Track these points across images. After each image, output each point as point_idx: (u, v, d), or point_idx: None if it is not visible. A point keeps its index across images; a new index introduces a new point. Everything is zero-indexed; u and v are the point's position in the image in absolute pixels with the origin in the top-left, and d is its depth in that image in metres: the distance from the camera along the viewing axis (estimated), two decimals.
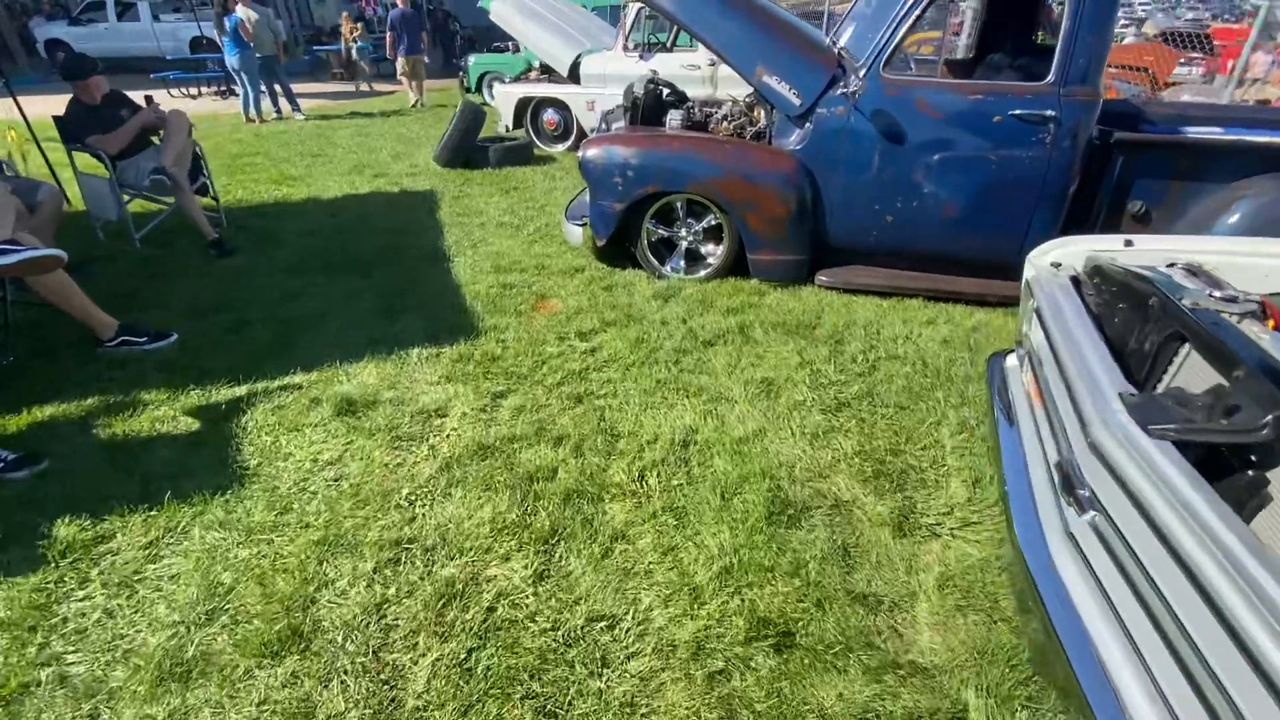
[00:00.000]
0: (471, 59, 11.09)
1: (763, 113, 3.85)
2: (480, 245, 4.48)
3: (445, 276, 3.93)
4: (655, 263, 3.88)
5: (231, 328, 3.33)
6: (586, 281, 3.85)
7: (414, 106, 11.00)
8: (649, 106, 4.08)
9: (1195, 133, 3.10)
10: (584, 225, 3.99)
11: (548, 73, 7.56)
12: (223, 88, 12.87)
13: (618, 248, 3.90)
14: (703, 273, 3.85)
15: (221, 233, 4.56)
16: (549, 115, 7.45)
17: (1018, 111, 3.07)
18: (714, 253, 3.86)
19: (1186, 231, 3.23)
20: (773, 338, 3.23)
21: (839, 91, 3.30)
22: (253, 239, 4.59)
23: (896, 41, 3.17)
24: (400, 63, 10.84)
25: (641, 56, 6.75)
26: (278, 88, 9.87)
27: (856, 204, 3.48)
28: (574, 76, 7.03)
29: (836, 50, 3.46)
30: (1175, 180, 3.25)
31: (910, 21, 3.11)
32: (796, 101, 3.38)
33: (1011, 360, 2.27)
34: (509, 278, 3.90)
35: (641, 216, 3.75)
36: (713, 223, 3.73)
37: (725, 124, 3.90)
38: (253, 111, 9.50)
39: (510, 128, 7.56)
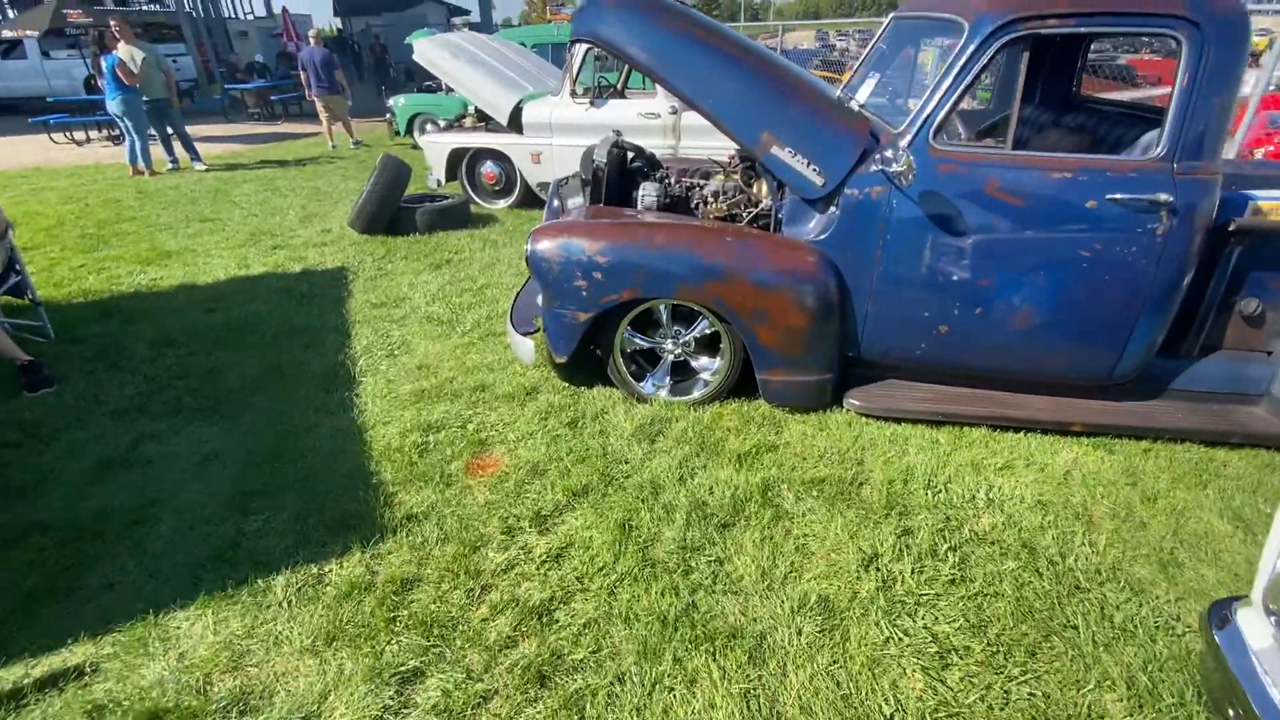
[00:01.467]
0: (401, 99, 10.08)
1: (764, 187, 2.99)
2: (399, 354, 3.43)
3: (344, 417, 2.87)
4: (633, 382, 2.93)
5: None
6: (542, 413, 2.86)
7: (333, 149, 9.97)
8: (613, 178, 3.17)
9: None
10: (536, 334, 3.02)
11: (485, 120, 6.62)
12: (116, 132, 11.38)
13: (584, 355, 2.94)
14: (697, 393, 2.92)
15: (44, 349, 3.38)
16: (487, 168, 6.48)
17: (1118, 195, 2.29)
18: (709, 367, 2.95)
19: None
20: (811, 507, 2.31)
21: (875, 168, 2.47)
22: (87, 358, 3.40)
23: (952, 104, 2.36)
24: (319, 105, 9.79)
25: (592, 102, 5.89)
26: (172, 134, 8.57)
27: (900, 310, 2.63)
28: (515, 125, 6.11)
29: (860, 112, 2.64)
30: None
31: (973, 78, 2.32)
32: (818, 181, 2.53)
33: (1255, 623, 1.40)
34: (435, 411, 2.87)
35: (614, 324, 2.81)
36: (707, 330, 2.82)
37: (715, 203, 3.03)
38: (140, 163, 8.18)
39: (442, 182, 6.55)
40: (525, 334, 3.00)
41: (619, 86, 6.27)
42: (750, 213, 2.97)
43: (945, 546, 2.14)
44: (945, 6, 2.53)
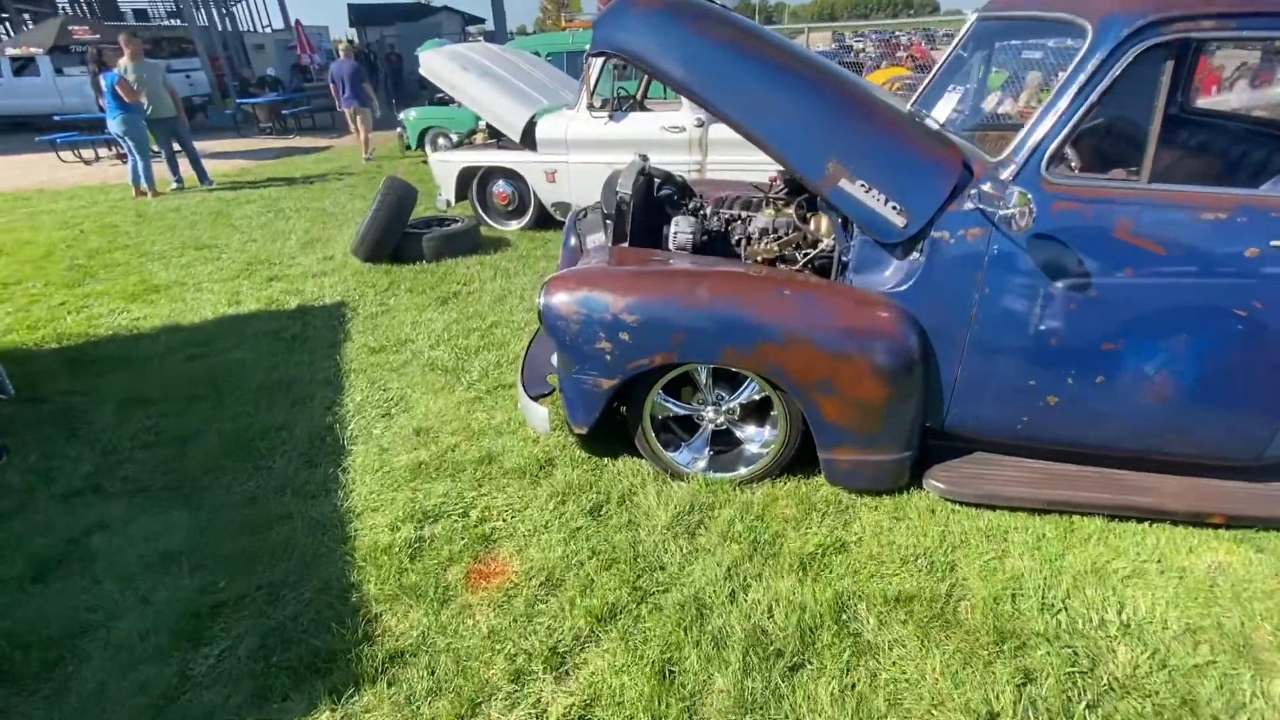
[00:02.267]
0: (412, 113, 9.74)
1: (823, 222, 2.52)
2: (396, 413, 3.00)
3: (326, 502, 2.43)
4: (666, 455, 2.47)
5: None
6: (559, 494, 2.41)
7: (367, 159, 10.09)
8: (640, 211, 2.72)
9: None
10: (551, 395, 2.58)
11: (497, 136, 6.22)
12: (124, 150, 11.19)
13: (608, 416, 2.49)
14: (743, 470, 2.45)
15: (1, 409, 2.99)
16: (499, 188, 6.07)
17: None
18: (757, 437, 2.48)
19: None
20: (899, 637, 1.83)
21: (970, 206, 1.99)
22: (45, 421, 3.01)
23: (1072, 126, 1.88)
24: (348, 116, 10.14)
25: (611, 116, 5.46)
26: (180, 153, 8.28)
27: (998, 377, 2.15)
28: (528, 141, 5.69)
29: (947, 136, 2.16)
30: None
31: (1100, 94, 1.83)
32: (900, 222, 2.06)
33: None
34: (433, 493, 2.43)
35: (644, 389, 2.36)
36: (756, 396, 2.36)
37: (763, 241, 2.56)
38: (143, 183, 7.90)
39: (452, 203, 6.15)
40: (538, 397, 2.55)
41: (639, 98, 5.83)
42: (806, 254, 2.50)
43: (1081, 703, 1.65)
44: (1058, 4, 2.05)
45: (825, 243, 2.46)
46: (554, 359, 2.41)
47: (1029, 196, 1.78)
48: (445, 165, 6.03)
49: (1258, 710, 1.61)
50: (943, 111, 2.18)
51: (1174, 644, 1.82)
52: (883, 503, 2.34)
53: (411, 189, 5.10)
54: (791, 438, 2.34)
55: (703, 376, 2.37)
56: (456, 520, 2.30)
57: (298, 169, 9.67)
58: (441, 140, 9.41)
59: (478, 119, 7.69)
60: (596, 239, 2.88)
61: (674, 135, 5.30)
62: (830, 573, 2.06)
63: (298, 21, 21.38)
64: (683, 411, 2.48)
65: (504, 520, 2.30)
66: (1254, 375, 1.96)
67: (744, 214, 2.74)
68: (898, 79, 11.52)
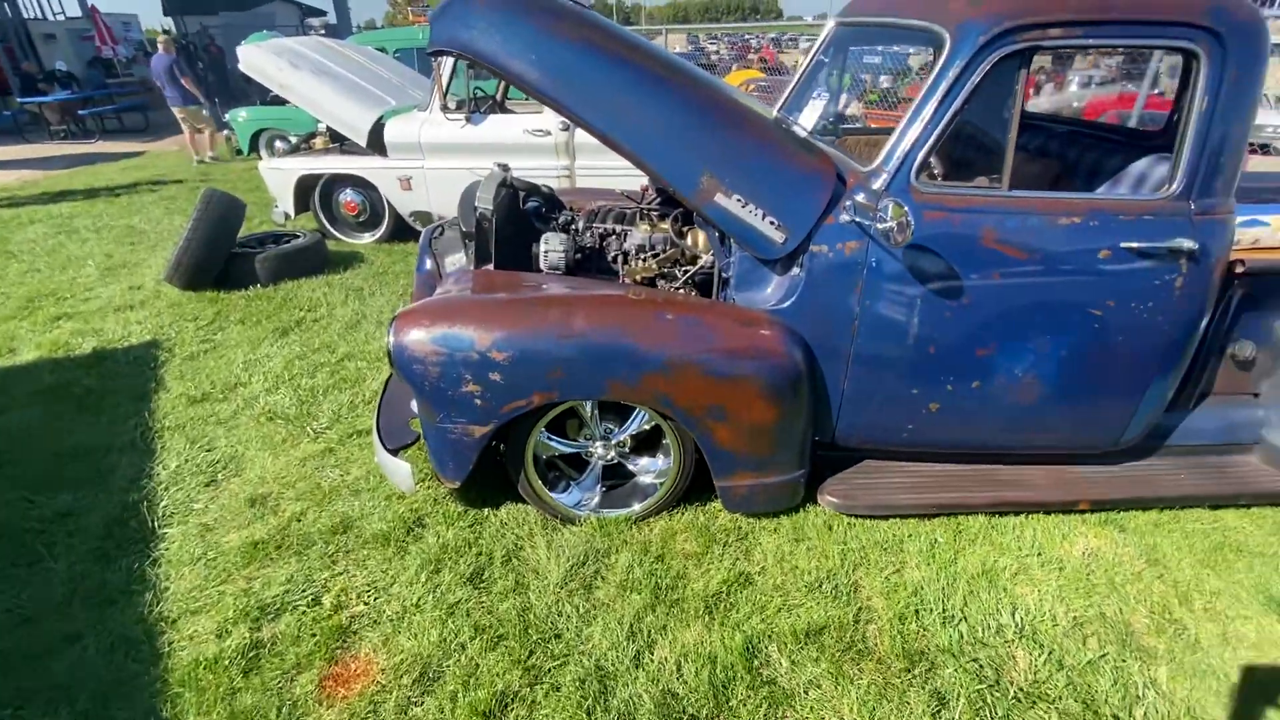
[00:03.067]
0: (242, 113, 8.66)
1: (701, 237, 2.38)
2: (225, 479, 2.51)
3: (130, 609, 1.94)
4: (554, 499, 2.23)
5: None
6: (432, 562, 2.08)
7: (197, 164, 9.09)
8: (505, 228, 2.43)
9: None
10: (415, 445, 2.25)
11: (340, 140, 5.59)
12: None
13: (486, 460, 2.20)
14: (638, 506, 2.27)
15: None
16: (347, 197, 5.47)
17: (1134, 244, 1.88)
18: (651, 468, 2.30)
19: None
20: (813, 677, 1.72)
21: (846, 218, 1.93)
22: None
23: (938, 135, 1.85)
24: (179, 116, 9.03)
25: (468, 118, 5.07)
26: None
27: (883, 388, 2.12)
28: (377, 145, 5.16)
29: (820, 146, 2.09)
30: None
31: (963, 101, 1.82)
32: (778, 237, 1.95)
33: None
34: (274, 580, 2.02)
35: (525, 430, 2.10)
36: (646, 425, 2.18)
37: (640, 260, 2.38)
38: None
39: (291, 215, 5.45)
40: (400, 449, 2.20)
41: (498, 98, 5.48)
42: (686, 271, 2.35)
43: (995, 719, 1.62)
44: (913, 10, 2.03)
45: (705, 259, 2.32)
46: (414, 403, 2.09)
47: (905, 209, 1.73)
48: (280, 174, 5.32)
49: (1151, 703, 1.67)
50: (809, 118, 2.11)
51: (1065, 640, 1.86)
52: (781, 524, 2.26)
53: (237, 201, 4.42)
54: (685, 467, 2.19)
55: (589, 410, 2.15)
56: (305, 612, 1.91)
57: (100, 179, 8.25)
58: (279, 144, 8.45)
59: (318, 121, 6.95)
60: (456, 261, 2.56)
61: (538, 139, 5.02)
62: (737, 612, 1.92)
63: (93, 8, 18.46)
64: (570, 450, 2.24)
65: (366, 603, 1.95)
66: (1109, 368, 2.07)
67: (619, 229, 2.55)
68: (751, 81, 11.98)
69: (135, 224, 6.19)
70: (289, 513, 2.31)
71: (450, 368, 1.90)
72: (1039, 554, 2.16)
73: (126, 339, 3.71)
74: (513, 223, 2.55)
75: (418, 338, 1.91)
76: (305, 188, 5.38)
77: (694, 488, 2.26)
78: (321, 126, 6.07)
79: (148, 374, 3.30)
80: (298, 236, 4.91)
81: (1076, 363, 2.04)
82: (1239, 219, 2.98)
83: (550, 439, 2.19)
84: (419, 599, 1.95)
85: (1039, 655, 1.80)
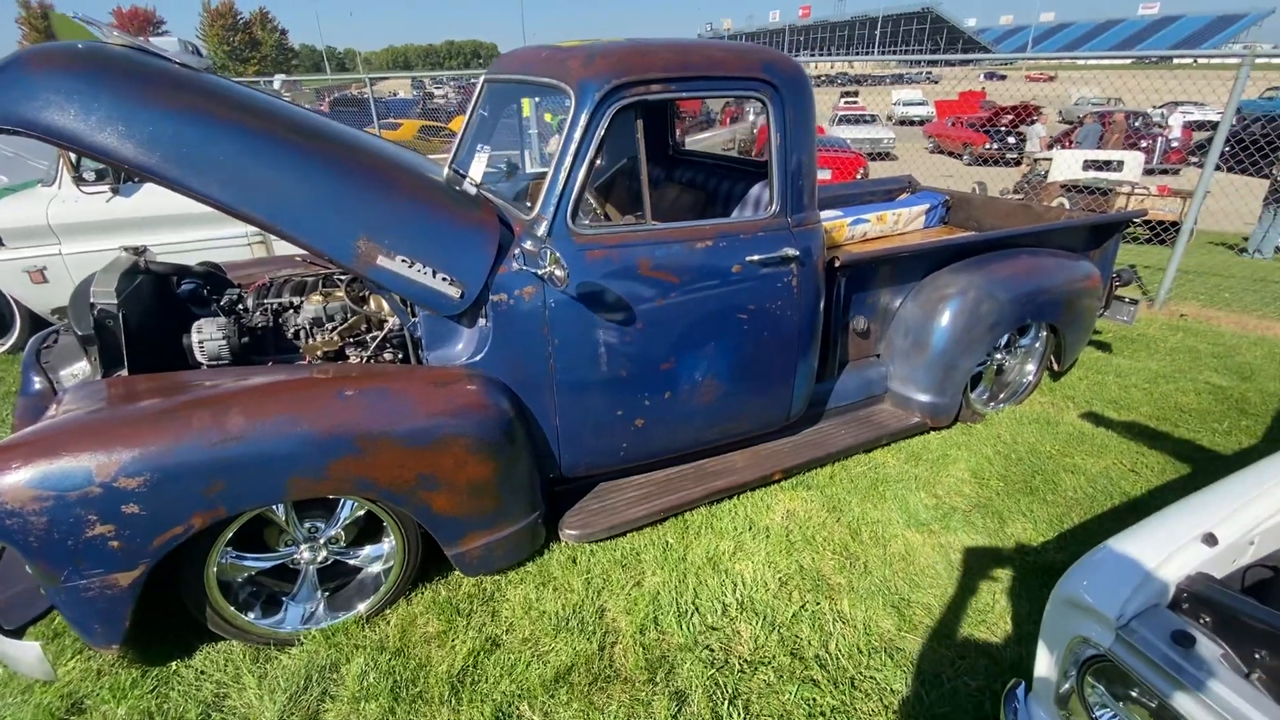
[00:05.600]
0: None
1: (383, 302, 2.27)
2: None
3: None
4: (256, 627, 1.93)
5: None
6: None
7: None
8: (144, 322, 2.06)
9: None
10: (43, 619, 1.77)
11: None
12: None
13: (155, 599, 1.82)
14: (365, 605, 2.06)
15: None
16: None
17: (755, 257, 2.26)
18: (376, 557, 2.12)
19: (904, 339, 2.96)
20: None
21: (518, 266, 2.00)
22: None
23: (582, 180, 2.02)
24: None
25: (114, 190, 4.27)
26: None
27: (591, 416, 2.23)
28: None
29: (480, 196, 2.14)
30: (882, 289, 2.95)
31: (595, 149, 2.00)
32: (453, 293, 1.94)
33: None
34: None
35: (197, 557, 1.78)
36: (359, 513, 2.00)
37: (324, 335, 2.19)
38: None
39: None
40: (22, 629, 1.71)
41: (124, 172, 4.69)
42: (375, 337, 2.22)
43: (725, 702, 1.79)
44: (542, 70, 2.20)
45: (392, 322, 2.23)
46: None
47: (558, 255, 1.85)
48: None
49: (839, 634, 1.98)
50: (478, 170, 2.15)
51: (775, 602, 2.13)
52: (528, 572, 2.25)
53: None
54: (412, 546, 2.05)
55: (281, 513, 1.90)
56: None
57: None
58: None
59: None
60: (77, 372, 2.10)
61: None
62: (485, 681, 1.85)
63: None
64: (269, 564, 1.96)
65: None
66: (766, 357, 2.45)
67: (294, 301, 2.32)
68: None
69: None
70: None
71: (62, 512, 1.53)
72: (750, 528, 2.46)
73: None
74: (156, 314, 2.18)
75: (8, 484, 1.51)
76: None
77: (432, 559, 2.14)
78: None
79: None
80: None
81: (739, 359, 2.38)
82: (849, 220, 3.77)
83: (241, 557, 1.90)
84: None
85: (757, 623, 2.04)
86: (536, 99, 2.78)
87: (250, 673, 1.87)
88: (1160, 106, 17.24)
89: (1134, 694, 1.05)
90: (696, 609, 2.10)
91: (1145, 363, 3.96)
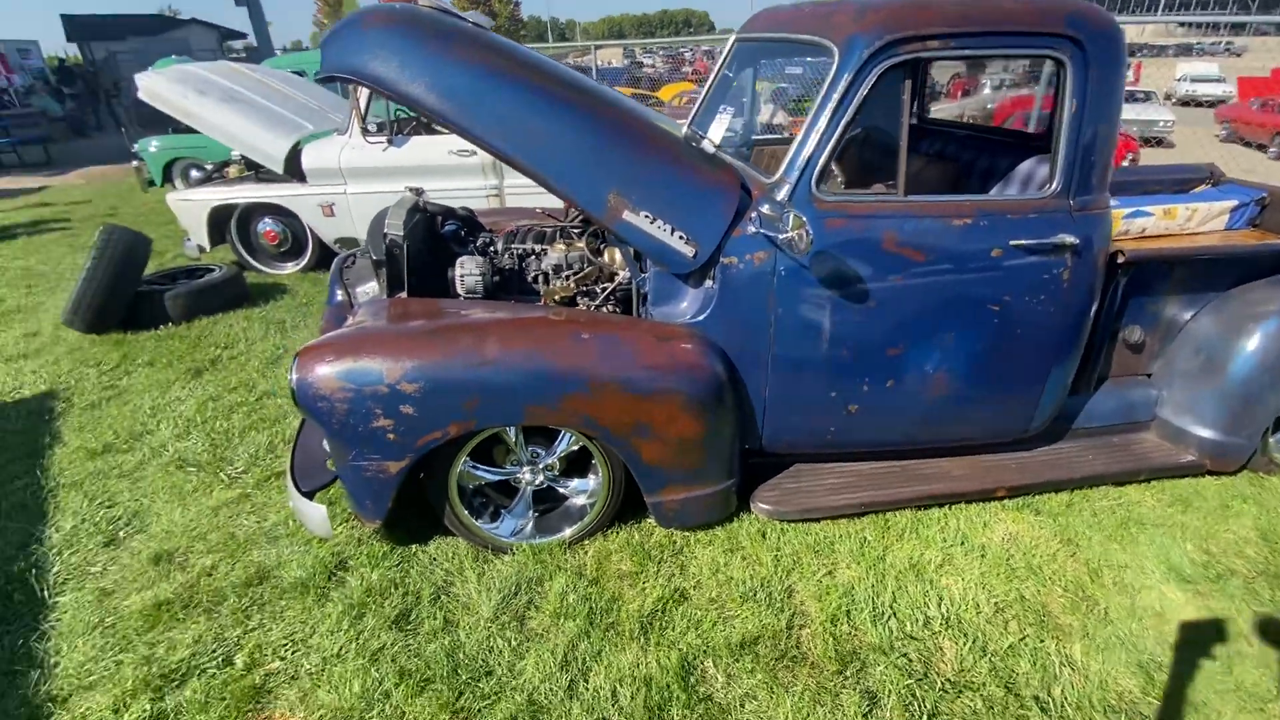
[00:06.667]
0: (154, 142, 8.23)
1: (617, 254, 2.38)
2: (126, 538, 2.34)
3: (10, 695, 1.77)
4: (483, 530, 2.17)
5: None
6: (355, 607, 1.99)
7: None
8: (419, 254, 2.38)
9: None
10: (331, 486, 2.15)
11: (255, 168, 5.38)
12: None
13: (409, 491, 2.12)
14: (570, 530, 2.23)
15: None
16: (266, 227, 5.26)
17: (1023, 240, 1.98)
18: (583, 488, 2.27)
19: (1192, 359, 2.44)
20: (749, 689, 1.72)
21: (753, 230, 1.96)
22: None
23: (834, 144, 1.91)
24: None
25: (390, 141, 4.97)
26: None
27: (803, 393, 2.15)
28: (294, 171, 4.99)
29: (724, 159, 2.12)
30: (1170, 296, 2.45)
31: (854, 111, 1.88)
32: (688, 251, 1.97)
33: None
34: (180, 643, 1.88)
35: (446, 461, 2.03)
36: (574, 447, 2.15)
37: (559, 280, 2.35)
38: None
39: (206, 248, 5.20)
40: (315, 490, 2.10)
41: (422, 119, 5.38)
42: (605, 288, 2.34)
43: (922, 716, 1.65)
44: (803, 26, 2.10)
45: (622, 275, 2.32)
46: (326, 443, 2.00)
47: (804, 219, 1.77)
48: (190, 206, 5.08)
49: (1068, 680, 1.73)
50: (717, 132, 2.13)
51: (988, 627, 1.92)
52: (716, 536, 2.26)
53: (141, 236, 4.18)
54: (615, 486, 2.16)
55: (512, 435, 2.11)
56: (214, 674, 1.79)
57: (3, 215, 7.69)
58: (194, 173, 8.06)
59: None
60: (368, 290, 2.48)
61: (464, 159, 4.95)
62: (673, 630, 1.90)
63: None
64: (497, 478, 2.19)
65: (282, 659, 1.84)
66: (1013, 358, 2.16)
67: (537, 249, 2.52)
68: (685, 93, 12.18)
69: (33, 265, 5.78)
70: (198, 568, 2.17)
71: (358, 403, 1.83)
72: (962, 543, 2.23)
73: (18, 391, 3.44)
74: (427, 248, 2.49)
75: (322, 374, 1.83)
76: (220, 219, 5.14)
77: (629, 506, 2.24)
78: (235, 155, 5.84)
79: (41, 428, 3.06)
80: (213, 270, 4.68)
81: (981, 356, 2.12)
82: (1124, 211, 3.20)
83: (475, 468, 2.14)
84: (340, 649, 1.85)
85: (964, 644, 1.85)
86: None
87: (472, 569, 2.12)
88: None
89: None
90: (894, 614, 1.96)
91: None
